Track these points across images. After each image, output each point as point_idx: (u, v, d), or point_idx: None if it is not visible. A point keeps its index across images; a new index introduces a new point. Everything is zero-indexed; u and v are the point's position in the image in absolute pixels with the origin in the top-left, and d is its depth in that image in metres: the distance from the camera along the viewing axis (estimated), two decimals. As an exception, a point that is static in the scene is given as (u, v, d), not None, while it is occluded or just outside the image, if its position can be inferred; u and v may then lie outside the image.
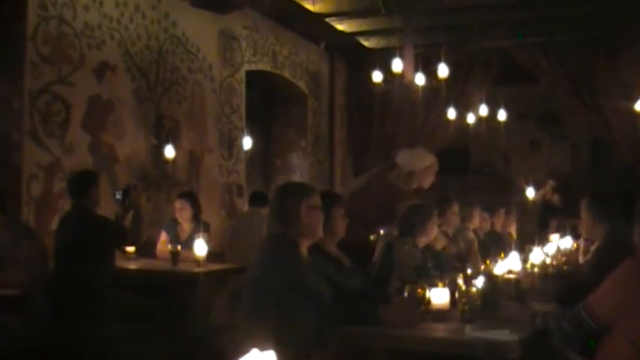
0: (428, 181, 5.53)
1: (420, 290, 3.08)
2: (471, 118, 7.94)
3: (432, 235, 4.53)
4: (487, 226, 6.75)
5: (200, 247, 5.01)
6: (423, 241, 4.45)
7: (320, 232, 3.07)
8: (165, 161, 6.05)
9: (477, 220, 6.33)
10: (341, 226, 3.45)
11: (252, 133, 7.44)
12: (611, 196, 4.24)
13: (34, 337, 3.94)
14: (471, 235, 5.95)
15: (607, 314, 2.70)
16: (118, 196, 4.47)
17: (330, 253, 3.37)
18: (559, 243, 6.07)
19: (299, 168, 8.66)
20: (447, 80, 6.63)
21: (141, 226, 4.53)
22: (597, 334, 2.78)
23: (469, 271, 3.64)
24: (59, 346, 4.02)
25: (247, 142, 7.31)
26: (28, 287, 3.96)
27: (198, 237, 5.09)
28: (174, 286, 4.79)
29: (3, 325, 3.82)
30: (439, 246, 4.83)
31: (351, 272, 3.39)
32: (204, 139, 6.69)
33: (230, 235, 6.09)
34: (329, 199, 3.35)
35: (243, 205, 7.02)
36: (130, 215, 4.48)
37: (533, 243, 5.26)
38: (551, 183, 8.75)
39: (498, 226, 7.08)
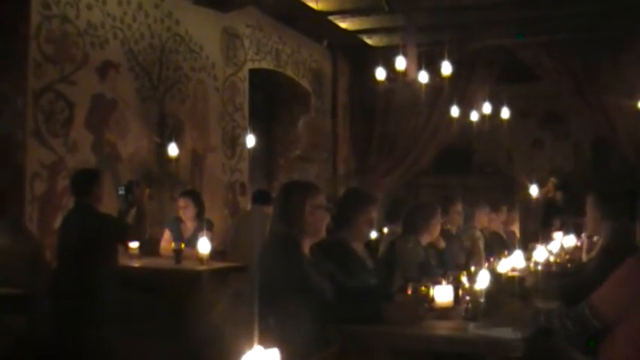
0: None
1: (423, 288, 3.08)
2: (473, 116, 7.93)
3: (436, 233, 4.54)
4: (495, 225, 6.72)
5: (203, 245, 5.02)
6: (426, 238, 4.45)
7: (323, 232, 3.07)
8: (169, 160, 6.05)
9: (485, 220, 6.27)
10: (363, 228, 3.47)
11: (255, 132, 7.44)
12: (618, 193, 4.22)
13: (37, 337, 3.94)
14: (477, 233, 5.93)
15: (609, 313, 2.69)
16: (121, 192, 4.45)
17: (354, 251, 3.39)
18: (562, 241, 6.07)
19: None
20: (449, 78, 6.62)
21: (144, 222, 4.51)
22: (600, 333, 2.78)
23: (472, 269, 3.64)
24: (62, 345, 4.02)
25: (250, 141, 7.32)
26: (24, 287, 3.95)
27: (202, 235, 5.09)
28: (178, 284, 4.80)
29: (5, 324, 3.82)
30: (441, 245, 4.84)
31: (371, 272, 3.40)
32: (207, 138, 6.69)
33: (233, 233, 6.09)
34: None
35: (246, 204, 7.02)
36: (133, 211, 4.47)
37: (536, 241, 5.26)
38: (553, 181, 8.75)
39: (501, 225, 7.06)
